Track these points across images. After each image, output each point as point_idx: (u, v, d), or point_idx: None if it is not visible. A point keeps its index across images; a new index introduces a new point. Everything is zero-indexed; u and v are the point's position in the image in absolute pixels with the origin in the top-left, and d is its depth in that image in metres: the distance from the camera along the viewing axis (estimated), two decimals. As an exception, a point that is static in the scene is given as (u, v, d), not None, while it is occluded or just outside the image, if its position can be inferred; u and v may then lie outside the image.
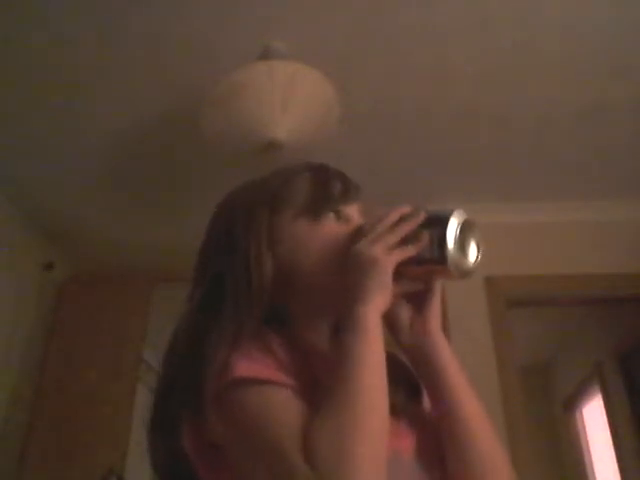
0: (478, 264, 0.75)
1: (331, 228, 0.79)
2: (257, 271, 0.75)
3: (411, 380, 0.81)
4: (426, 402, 0.81)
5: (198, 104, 1.92)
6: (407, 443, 0.74)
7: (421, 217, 0.73)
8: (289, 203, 0.80)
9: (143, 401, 2.71)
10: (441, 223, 0.72)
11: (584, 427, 4.32)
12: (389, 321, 0.78)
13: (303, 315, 0.79)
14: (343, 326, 0.69)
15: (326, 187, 0.81)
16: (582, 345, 4.17)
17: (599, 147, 2.42)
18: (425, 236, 0.72)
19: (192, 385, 0.67)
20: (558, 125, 2.30)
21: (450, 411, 0.75)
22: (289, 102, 1.78)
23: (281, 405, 0.65)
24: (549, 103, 2.19)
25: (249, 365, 0.67)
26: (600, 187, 2.65)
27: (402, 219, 0.73)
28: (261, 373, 0.66)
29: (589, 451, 4.22)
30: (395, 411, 0.72)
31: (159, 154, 2.45)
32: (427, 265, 0.73)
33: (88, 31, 1.87)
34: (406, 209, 0.75)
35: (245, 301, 0.73)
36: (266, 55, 1.88)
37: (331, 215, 0.80)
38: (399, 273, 0.72)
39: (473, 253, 0.75)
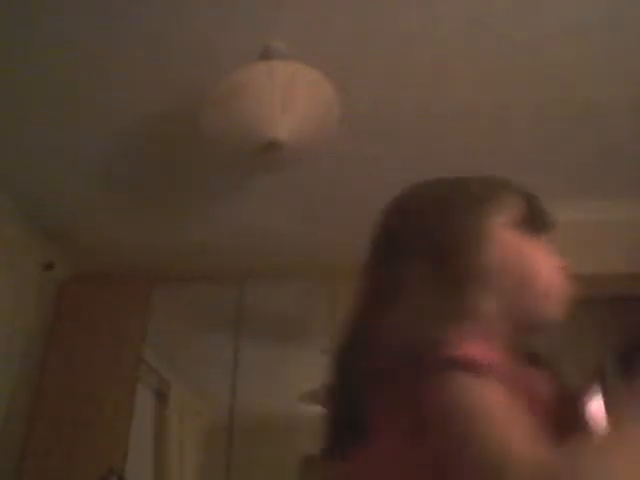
0: None
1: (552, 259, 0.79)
2: (485, 256, 0.74)
3: None
4: None
5: (198, 104, 1.92)
6: None
7: None
8: (505, 213, 0.80)
9: (143, 401, 2.71)
10: None
11: (584, 427, 4.31)
12: None
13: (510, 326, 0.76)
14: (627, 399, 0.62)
15: (541, 211, 0.82)
16: (582, 345, 4.17)
17: (599, 147, 2.42)
18: None
19: (400, 349, 0.61)
20: (558, 125, 2.30)
21: None
22: (289, 102, 1.78)
23: (510, 409, 0.55)
24: (549, 103, 2.19)
25: (479, 350, 0.59)
26: (600, 187, 2.65)
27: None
28: (491, 364, 0.58)
29: (589, 451, 4.22)
30: None
31: (159, 154, 2.45)
32: None
33: (88, 31, 1.87)
34: None
35: (472, 281, 0.72)
36: (266, 55, 1.88)
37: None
38: None
39: None
